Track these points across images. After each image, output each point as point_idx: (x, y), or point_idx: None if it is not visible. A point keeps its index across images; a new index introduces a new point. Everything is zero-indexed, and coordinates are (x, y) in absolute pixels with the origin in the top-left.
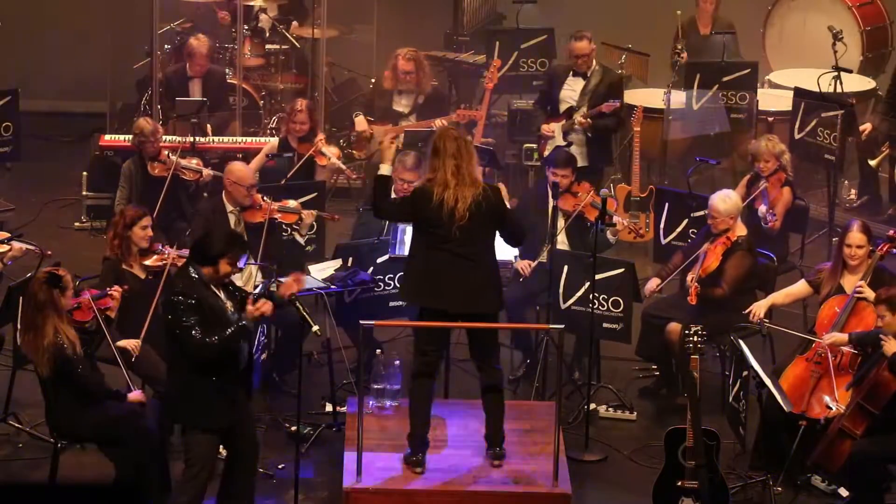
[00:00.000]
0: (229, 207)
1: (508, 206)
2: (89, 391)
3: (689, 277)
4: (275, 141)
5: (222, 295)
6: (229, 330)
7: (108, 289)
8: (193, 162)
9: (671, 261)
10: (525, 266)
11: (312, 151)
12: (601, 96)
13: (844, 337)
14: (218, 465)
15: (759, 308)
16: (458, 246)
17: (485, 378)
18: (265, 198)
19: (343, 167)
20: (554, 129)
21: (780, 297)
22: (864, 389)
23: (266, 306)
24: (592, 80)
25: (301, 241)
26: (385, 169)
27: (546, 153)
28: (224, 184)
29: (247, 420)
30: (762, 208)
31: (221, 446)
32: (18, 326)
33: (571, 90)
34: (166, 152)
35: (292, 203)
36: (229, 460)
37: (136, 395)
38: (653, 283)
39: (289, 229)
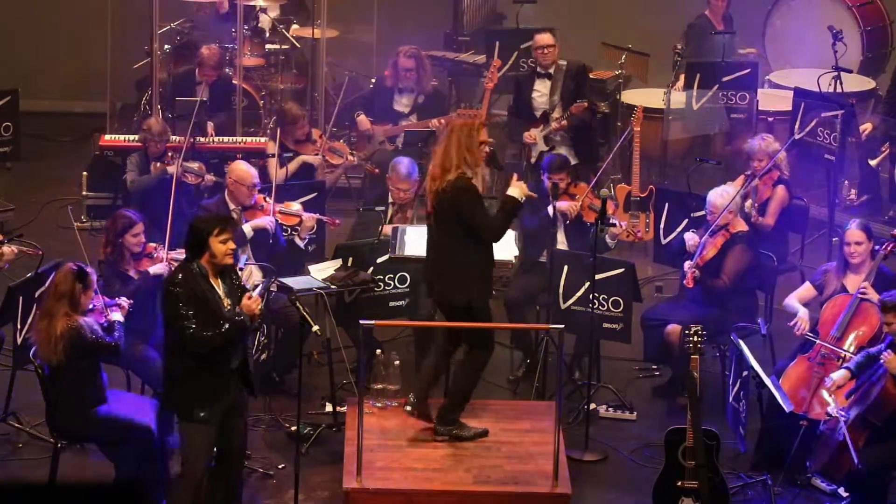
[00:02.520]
0: (231, 206)
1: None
2: (106, 354)
3: (686, 265)
4: (272, 143)
5: (221, 290)
6: (226, 325)
7: (118, 298)
8: (195, 165)
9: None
10: (571, 207)
11: (323, 152)
12: (571, 92)
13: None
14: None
15: (804, 321)
16: (434, 232)
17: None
18: (267, 198)
19: (356, 160)
20: (535, 135)
21: (794, 300)
22: (868, 403)
23: (256, 304)
24: (557, 79)
25: (300, 244)
26: (517, 193)
27: (532, 160)
28: (226, 183)
29: (238, 414)
30: (747, 202)
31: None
32: (19, 326)
33: (541, 94)
34: (170, 153)
35: (294, 206)
36: (217, 454)
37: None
38: (692, 239)
39: (289, 230)
